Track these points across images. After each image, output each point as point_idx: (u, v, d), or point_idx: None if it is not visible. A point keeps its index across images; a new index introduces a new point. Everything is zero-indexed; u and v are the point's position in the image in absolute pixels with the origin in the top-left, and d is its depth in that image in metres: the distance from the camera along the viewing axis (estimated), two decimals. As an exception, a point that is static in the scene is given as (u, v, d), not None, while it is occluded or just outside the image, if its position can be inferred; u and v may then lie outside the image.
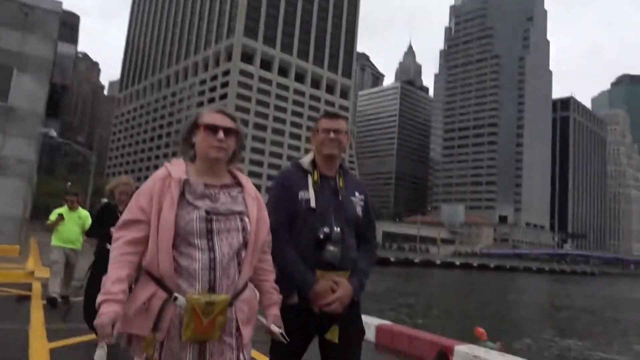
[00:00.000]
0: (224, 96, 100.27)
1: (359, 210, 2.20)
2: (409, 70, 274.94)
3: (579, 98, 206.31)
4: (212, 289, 1.54)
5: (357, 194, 2.23)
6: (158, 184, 1.61)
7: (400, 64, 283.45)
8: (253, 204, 1.72)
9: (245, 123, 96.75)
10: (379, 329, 5.13)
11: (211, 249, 1.57)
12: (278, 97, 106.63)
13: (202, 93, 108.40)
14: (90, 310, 4.14)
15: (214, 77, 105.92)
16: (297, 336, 1.99)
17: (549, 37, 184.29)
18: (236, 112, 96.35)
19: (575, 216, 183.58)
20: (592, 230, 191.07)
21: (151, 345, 1.50)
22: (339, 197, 2.15)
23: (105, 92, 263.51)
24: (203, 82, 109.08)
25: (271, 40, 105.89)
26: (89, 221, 6.58)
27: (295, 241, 2.07)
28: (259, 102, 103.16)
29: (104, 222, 4.39)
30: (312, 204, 2.08)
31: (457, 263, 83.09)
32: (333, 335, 2.03)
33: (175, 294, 1.52)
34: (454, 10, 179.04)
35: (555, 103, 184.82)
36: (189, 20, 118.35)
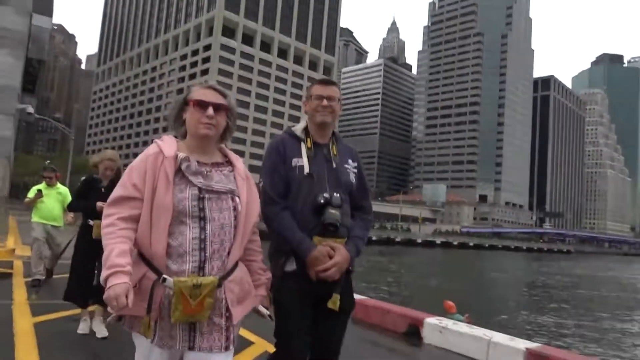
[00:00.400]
0: (205, 71, 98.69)
1: (352, 177, 2.19)
2: (392, 46, 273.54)
3: (559, 77, 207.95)
4: (201, 269, 1.55)
5: (350, 161, 2.22)
6: (150, 160, 1.59)
7: (384, 40, 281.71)
8: (243, 184, 1.71)
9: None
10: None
11: (202, 228, 1.57)
12: (260, 73, 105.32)
13: (183, 68, 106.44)
14: (78, 285, 4.15)
15: (195, 52, 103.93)
16: (300, 304, 2.01)
17: (531, 15, 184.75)
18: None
19: (553, 195, 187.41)
20: (569, 209, 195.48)
21: (148, 327, 1.52)
22: (333, 164, 2.15)
23: (83, 66, 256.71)
24: (184, 56, 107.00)
25: (253, 14, 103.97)
26: (69, 197, 6.40)
27: (291, 207, 2.05)
28: (241, 78, 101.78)
29: (86, 196, 4.33)
30: (307, 170, 2.07)
31: (438, 242, 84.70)
32: (334, 304, 2.01)
33: (164, 276, 1.52)
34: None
35: (536, 82, 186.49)
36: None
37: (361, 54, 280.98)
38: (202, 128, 1.64)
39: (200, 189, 1.59)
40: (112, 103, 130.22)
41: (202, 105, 1.65)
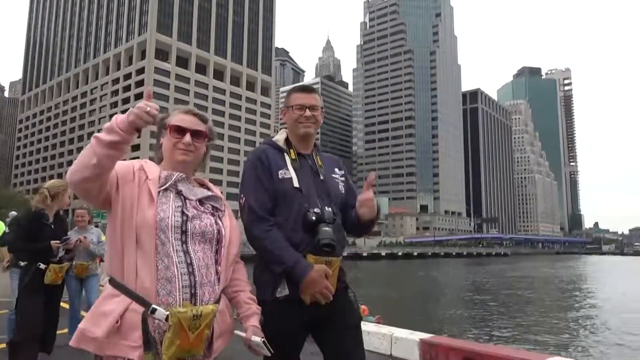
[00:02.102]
0: (139, 95, 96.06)
1: (341, 187, 2.04)
2: (328, 65, 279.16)
3: (485, 90, 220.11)
4: (193, 296, 1.41)
5: (336, 170, 2.08)
6: (137, 172, 1.50)
7: (320, 59, 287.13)
8: (226, 210, 1.64)
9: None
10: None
11: (186, 251, 1.45)
12: (197, 95, 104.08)
13: (115, 93, 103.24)
14: (26, 340, 3.59)
15: (128, 76, 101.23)
16: (293, 332, 1.84)
17: (456, 33, 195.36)
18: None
19: (488, 201, 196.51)
20: (504, 213, 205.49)
21: None
22: (320, 175, 1.99)
23: (6, 93, 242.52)
24: (116, 81, 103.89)
25: (186, 36, 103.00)
26: (1, 230, 5.96)
27: (279, 224, 1.85)
28: (177, 101, 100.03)
29: (35, 235, 3.85)
30: (295, 183, 1.89)
31: (383, 254, 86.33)
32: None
33: (154, 306, 1.35)
34: (368, 5, 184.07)
35: (465, 95, 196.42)
36: (97, 15, 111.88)
37: (298, 73, 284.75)
38: (179, 154, 1.56)
39: (183, 210, 1.49)
40: (40, 131, 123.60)
41: (179, 130, 1.57)
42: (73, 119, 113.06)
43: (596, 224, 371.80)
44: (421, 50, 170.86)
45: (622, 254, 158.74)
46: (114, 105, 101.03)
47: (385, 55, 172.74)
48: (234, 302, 1.65)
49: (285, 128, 2.13)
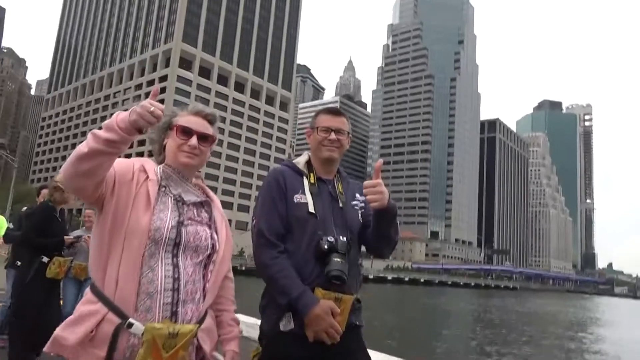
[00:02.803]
0: (160, 102, 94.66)
1: (359, 215, 1.92)
2: (349, 85, 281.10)
3: (504, 120, 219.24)
4: (174, 314, 1.33)
5: (357, 195, 1.95)
6: (137, 173, 1.43)
7: (341, 78, 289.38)
8: (222, 222, 1.56)
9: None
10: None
11: (175, 265, 1.36)
12: (217, 105, 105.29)
13: (137, 98, 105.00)
14: (26, 343, 3.51)
15: (151, 82, 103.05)
16: None
17: (478, 61, 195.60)
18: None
19: (500, 233, 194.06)
20: (515, 246, 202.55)
21: None
22: (339, 203, 1.87)
23: (32, 91, 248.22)
24: (139, 86, 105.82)
25: (211, 47, 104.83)
26: (4, 227, 5.79)
27: (290, 252, 1.75)
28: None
29: (46, 229, 3.79)
30: (311, 208, 1.79)
31: (389, 277, 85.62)
32: None
33: (131, 320, 1.28)
34: (391, 29, 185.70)
35: (483, 124, 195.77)
36: (125, 22, 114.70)
37: (318, 91, 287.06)
38: (183, 156, 1.50)
39: (180, 219, 1.42)
40: (61, 130, 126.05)
41: (185, 132, 1.50)
42: (94, 121, 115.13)
43: (610, 265, 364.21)
44: (442, 76, 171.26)
45: (635, 297, 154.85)
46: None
47: (405, 78, 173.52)
48: (216, 321, 1.55)
49: (309, 150, 2.03)
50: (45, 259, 3.75)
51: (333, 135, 1.88)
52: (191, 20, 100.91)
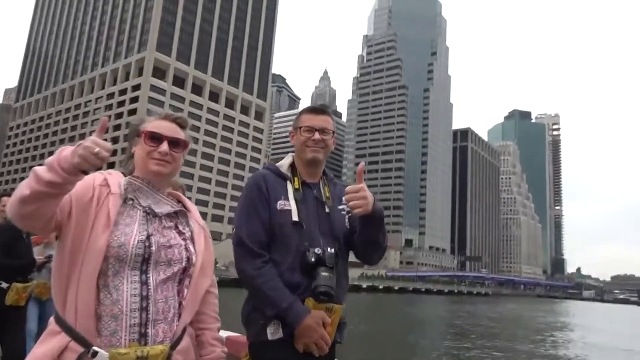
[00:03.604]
0: (132, 111, 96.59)
1: (346, 221, 1.82)
2: (324, 94, 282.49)
3: (476, 129, 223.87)
4: (143, 336, 1.23)
5: (344, 199, 1.77)
6: (98, 189, 1.31)
7: (316, 87, 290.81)
8: (200, 233, 1.44)
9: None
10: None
11: (144, 283, 1.26)
12: (191, 115, 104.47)
13: (109, 107, 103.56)
14: None
15: (123, 91, 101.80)
16: None
17: (450, 72, 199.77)
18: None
19: (472, 240, 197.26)
20: (487, 253, 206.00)
21: None
22: (325, 208, 1.78)
23: (0, 100, 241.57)
24: (111, 95, 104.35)
25: (185, 56, 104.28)
26: None
27: (275, 262, 1.65)
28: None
29: (11, 250, 3.48)
30: (294, 216, 1.69)
31: (364, 286, 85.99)
32: None
33: (94, 348, 1.18)
34: (366, 40, 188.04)
35: (455, 133, 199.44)
36: (98, 30, 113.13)
37: (294, 100, 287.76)
38: (154, 164, 1.38)
39: (147, 233, 1.30)
40: (29, 140, 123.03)
41: (155, 138, 1.39)
42: (64, 130, 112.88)
43: (578, 269, 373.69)
44: (415, 87, 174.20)
45: (602, 300, 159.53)
46: (107, 119, 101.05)
47: (380, 89, 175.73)
48: (197, 340, 1.45)
49: (293, 152, 1.93)
50: (4, 285, 3.43)
51: (317, 135, 1.78)
52: (165, 29, 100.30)
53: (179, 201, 1.49)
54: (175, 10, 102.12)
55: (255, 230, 1.65)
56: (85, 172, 1.15)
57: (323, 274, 1.59)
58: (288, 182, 1.78)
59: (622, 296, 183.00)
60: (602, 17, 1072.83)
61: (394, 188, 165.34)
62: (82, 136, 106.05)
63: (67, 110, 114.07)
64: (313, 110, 1.85)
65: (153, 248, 1.29)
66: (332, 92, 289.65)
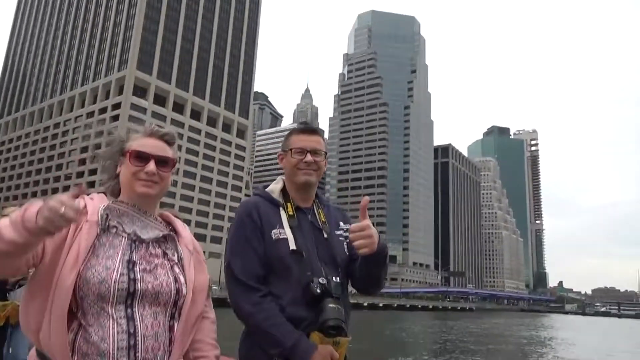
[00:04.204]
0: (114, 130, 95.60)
1: (345, 246, 1.72)
2: (306, 112, 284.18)
3: (456, 145, 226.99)
4: None
5: (341, 224, 1.77)
6: (90, 228, 1.22)
7: (298, 105, 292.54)
8: (190, 259, 1.33)
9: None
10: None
11: (130, 318, 1.15)
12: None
13: (89, 126, 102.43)
14: None
15: (103, 110, 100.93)
16: None
17: (430, 90, 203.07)
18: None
19: (456, 255, 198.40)
20: (470, 268, 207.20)
21: None
22: (323, 233, 1.69)
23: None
24: (91, 114, 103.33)
25: (166, 75, 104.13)
26: None
27: (275, 296, 1.54)
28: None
29: None
30: (292, 245, 1.58)
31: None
32: None
33: None
34: (347, 58, 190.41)
35: (436, 149, 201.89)
36: (77, 49, 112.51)
37: (276, 118, 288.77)
38: (140, 185, 1.28)
39: (132, 264, 1.20)
40: (7, 160, 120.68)
41: (141, 157, 1.29)
42: (43, 149, 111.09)
43: (560, 283, 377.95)
44: (396, 104, 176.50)
45: (584, 314, 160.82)
46: (86, 138, 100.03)
47: (361, 106, 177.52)
48: None
49: (282, 175, 1.83)
50: None
51: (309, 157, 1.68)
52: (146, 48, 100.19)
53: (169, 222, 1.39)
54: (156, 29, 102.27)
55: (249, 264, 1.55)
56: (51, 233, 1.05)
57: (330, 305, 1.47)
58: (281, 208, 1.68)
59: (603, 309, 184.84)
60: (574, 37, 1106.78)
61: (377, 204, 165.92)
62: (62, 155, 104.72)
63: (46, 129, 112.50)
64: (304, 130, 1.76)
65: (138, 281, 1.18)
66: (314, 110, 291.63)
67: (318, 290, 1.49)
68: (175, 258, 1.30)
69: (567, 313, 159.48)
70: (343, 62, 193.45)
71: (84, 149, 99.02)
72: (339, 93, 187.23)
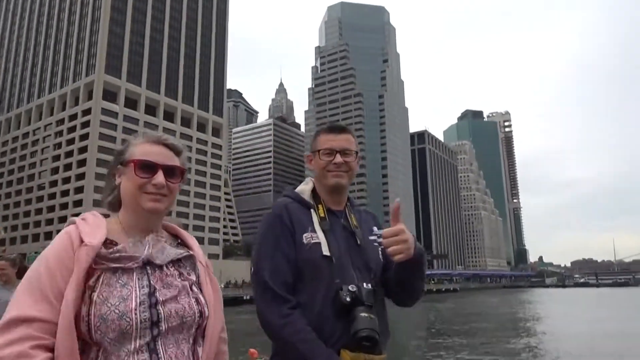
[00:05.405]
0: (85, 136, 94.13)
1: (380, 254, 1.60)
2: (281, 106, 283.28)
3: (432, 131, 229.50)
4: None
5: (375, 229, 1.65)
6: (63, 255, 1.02)
7: (273, 100, 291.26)
8: (206, 276, 1.20)
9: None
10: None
11: (153, 350, 1.02)
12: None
13: (59, 134, 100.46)
14: None
15: (73, 116, 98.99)
16: None
17: (403, 77, 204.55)
18: (99, 153, 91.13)
19: (438, 238, 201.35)
20: (453, 250, 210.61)
21: None
22: (357, 239, 1.58)
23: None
24: (60, 121, 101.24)
25: (136, 77, 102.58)
26: None
27: (302, 305, 1.43)
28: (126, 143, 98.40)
29: None
30: (325, 250, 1.47)
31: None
32: None
33: None
34: (318, 51, 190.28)
35: (412, 136, 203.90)
36: (42, 56, 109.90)
37: (252, 114, 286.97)
38: (148, 200, 1.13)
39: (151, 289, 1.06)
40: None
41: (147, 167, 1.14)
42: (12, 160, 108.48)
43: (540, 258, 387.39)
44: (370, 94, 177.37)
45: (564, 286, 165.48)
46: (58, 146, 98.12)
47: (336, 98, 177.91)
48: None
49: (311, 176, 1.75)
50: None
51: (339, 158, 1.58)
52: (113, 52, 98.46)
53: (176, 235, 1.26)
54: (123, 32, 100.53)
55: (279, 269, 1.43)
56: None
57: (362, 314, 1.35)
58: (312, 210, 1.57)
59: (581, 280, 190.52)
60: (541, 20, 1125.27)
61: (357, 194, 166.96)
62: (33, 165, 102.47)
63: (15, 139, 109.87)
64: (332, 129, 1.66)
65: (160, 308, 1.05)
66: (289, 104, 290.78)
67: (347, 299, 1.38)
68: (193, 277, 1.17)
69: (547, 286, 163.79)
70: (315, 55, 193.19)
71: (56, 158, 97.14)
72: (313, 86, 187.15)
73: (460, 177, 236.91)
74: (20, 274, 3.84)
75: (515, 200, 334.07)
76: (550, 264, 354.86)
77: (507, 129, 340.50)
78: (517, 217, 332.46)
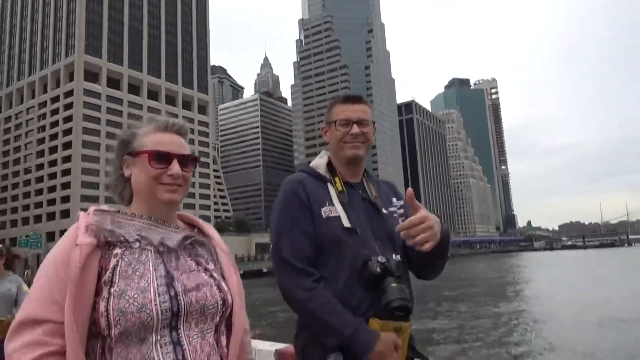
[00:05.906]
0: (68, 118, 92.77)
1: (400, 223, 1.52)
2: (267, 81, 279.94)
3: (419, 101, 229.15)
4: None
5: (394, 200, 1.64)
6: (73, 253, 0.96)
7: (258, 75, 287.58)
8: (229, 263, 1.15)
9: (97, 146, 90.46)
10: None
11: (177, 343, 0.98)
12: (131, 116, 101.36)
13: (42, 117, 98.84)
14: None
15: (56, 99, 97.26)
16: None
17: (388, 48, 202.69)
18: (84, 135, 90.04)
19: (427, 207, 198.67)
20: (443, 217, 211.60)
21: None
22: (377, 210, 1.55)
23: None
24: (43, 104, 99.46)
25: (117, 57, 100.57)
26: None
27: (327, 279, 1.41)
28: (110, 123, 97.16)
29: None
30: (345, 222, 1.45)
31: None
32: None
33: None
34: (302, 24, 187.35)
35: (400, 107, 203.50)
36: (20, 38, 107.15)
37: (237, 90, 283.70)
38: (164, 191, 1.08)
39: (169, 279, 1.01)
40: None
41: (162, 157, 1.09)
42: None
43: (529, 223, 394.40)
44: (356, 66, 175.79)
45: (552, 249, 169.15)
46: (42, 129, 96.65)
47: (322, 70, 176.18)
48: None
49: (325, 149, 1.71)
50: None
51: (356, 128, 1.55)
52: (92, 31, 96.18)
53: (192, 224, 1.20)
54: (101, 10, 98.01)
55: (299, 244, 1.41)
56: None
57: (393, 285, 1.33)
58: (329, 184, 1.53)
59: (569, 242, 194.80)
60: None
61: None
62: (18, 149, 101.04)
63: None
64: (347, 99, 1.62)
65: (181, 297, 1.00)
66: (275, 78, 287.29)
67: (378, 270, 1.35)
68: (211, 265, 1.12)
69: (536, 250, 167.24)
70: (299, 28, 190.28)
71: (41, 141, 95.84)
72: (298, 60, 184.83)
73: (449, 145, 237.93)
74: (7, 264, 3.66)
75: (503, 167, 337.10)
76: (539, 228, 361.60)
77: (494, 96, 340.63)
78: (505, 183, 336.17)
